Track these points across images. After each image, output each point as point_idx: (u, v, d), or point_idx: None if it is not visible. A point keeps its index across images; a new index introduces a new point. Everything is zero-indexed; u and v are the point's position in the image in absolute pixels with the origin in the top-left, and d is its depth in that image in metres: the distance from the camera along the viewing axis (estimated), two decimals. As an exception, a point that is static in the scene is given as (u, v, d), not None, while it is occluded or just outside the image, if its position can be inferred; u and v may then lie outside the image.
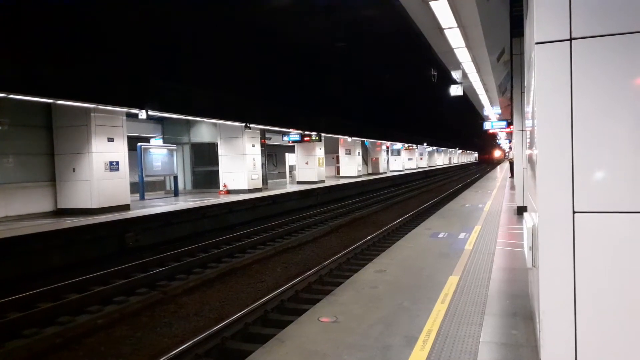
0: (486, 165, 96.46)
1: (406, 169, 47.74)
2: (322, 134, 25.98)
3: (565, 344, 3.00)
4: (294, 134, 25.64)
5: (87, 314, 7.48)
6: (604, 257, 2.95)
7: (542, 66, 3.06)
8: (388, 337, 4.47)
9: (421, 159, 57.08)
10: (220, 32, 17.56)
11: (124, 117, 14.47)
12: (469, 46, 11.24)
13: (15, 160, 13.37)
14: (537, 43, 3.05)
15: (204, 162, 23.03)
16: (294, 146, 27.99)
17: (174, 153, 19.43)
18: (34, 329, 6.81)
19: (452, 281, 6.28)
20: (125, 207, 14.14)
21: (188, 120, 21.61)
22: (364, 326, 4.77)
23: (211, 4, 15.80)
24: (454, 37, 10.23)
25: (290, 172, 31.17)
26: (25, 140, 13.49)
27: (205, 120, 19.62)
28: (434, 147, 63.71)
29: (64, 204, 13.86)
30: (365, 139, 34.73)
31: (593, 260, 2.97)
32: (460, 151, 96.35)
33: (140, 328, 7.00)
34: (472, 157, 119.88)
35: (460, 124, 60.41)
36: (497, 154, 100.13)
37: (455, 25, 9.28)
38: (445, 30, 9.67)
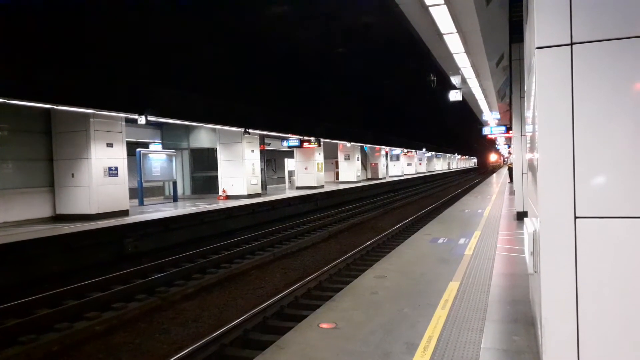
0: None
1: (405, 174, 47.75)
2: (321, 139, 25.98)
3: (568, 351, 2.98)
4: (293, 139, 25.63)
5: (86, 321, 7.43)
6: (606, 263, 2.93)
7: (543, 71, 3.05)
8: (388, 343, 4.44)
9: (420, 164, 57.14)
10: (221, 38, 17.58)
11: (123, 123, 14.45)
12: (468, 52, 11.25)
13: (14, 166, 13.34)
14: (537, 48, 3.04)
15: (203, 167, 23.02)
16: (293, 151, 28.00)
17: (173, 158, 19.41)
18: (31, 336, 6.76)
19: (453, 287, 6.25)
20: (124, 213, 14.11)
21: (187, 126, 21.61)
22: (364, 333, 4.74)
23: (210, 11, 15.83)
24: (454, 43, 10.24)
25: (289, 177, 31.16)
26: (24, 146, 13.47)
27: (205, 125, 19.63)
28: (433, 153, 63.77)
29: (62, 210, 13.82)
30: (364, 144, 34.75)
31: (595, 266, 2.95)
32: (459, 157, 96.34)
33: (139, 334, 6.96)
34: (471, 162, 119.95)
35: (459, 130, 60.50)
36: (492, 158, 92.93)
37: (455, 30, 9.29)
38: (444, 36, 9.68)
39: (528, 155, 5.59)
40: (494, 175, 56.24)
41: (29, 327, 6.97)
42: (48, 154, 13.97)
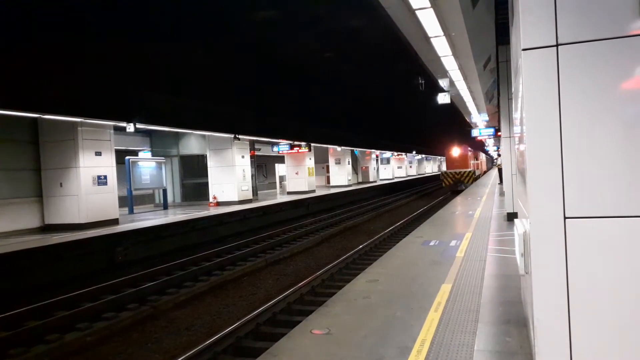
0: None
1: (396, 177, 47.88)
2: (312, 144, 25.99)
3: (561, 351, 2.98)
4: (284, 145, 25.65)
5: (77, 332, 7.35)
6: (596, 262, 2.94)
7: (529, 72, 3.06)
8: (382, 348, 4.42)
9: (410, 167, 57.29)
10: (209, 44, 17.55)
11: (112, 131, 14.36)
12: (455, 54, 11.30)
13: (1, 176, 13.19)
14: (523, 49, 3.05)
15: (193, 174, 22.91)
16: (283, 157, 27.98)
17: (163, 166, 19.30)
18: (21, 349, 6.67)
19: (445, 289, 6.25)
20: (114, 222, 14.00)
21: (177, 133, 21.52)
22: (357, 337, 4.71)
23: (199, 16, 15.79)
24: (441, 46, 10.28)
25: (280, 182, 31.12)
26: (10, 156, 13.32)
27: (194, 132, 19.55)
28: (423, 155, 63.98)
29: (51, 220, 13.68)
30: (354, 148, 34.80)
31: (585, 266, 2.95)
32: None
33: (131, 344, 6.88)
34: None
35: (448, 132, 60.69)
36: (455, 153, 54.51)
37: (442, 33, 9.32)
38: (431, 39, 9.70)
39: (517, 152, 5.62)
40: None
41: (18, 339, 6.88)
42: (35, 163, 13.83)
